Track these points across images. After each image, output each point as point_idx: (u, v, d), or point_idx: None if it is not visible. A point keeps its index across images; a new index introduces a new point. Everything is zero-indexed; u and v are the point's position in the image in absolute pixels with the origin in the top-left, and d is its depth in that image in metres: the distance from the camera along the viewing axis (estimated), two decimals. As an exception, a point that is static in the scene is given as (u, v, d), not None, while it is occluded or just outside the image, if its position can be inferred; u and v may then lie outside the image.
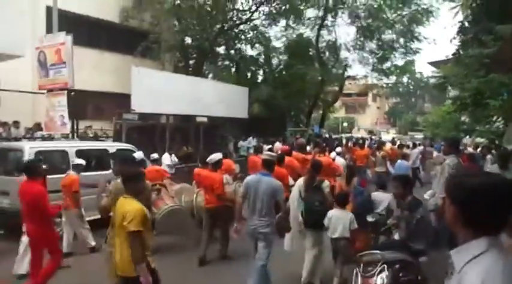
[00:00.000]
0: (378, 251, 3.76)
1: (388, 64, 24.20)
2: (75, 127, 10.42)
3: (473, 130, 16.09)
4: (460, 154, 6.95)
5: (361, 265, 3.65)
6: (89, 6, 15.13)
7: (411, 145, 17.06)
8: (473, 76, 10.15)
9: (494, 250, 1.36)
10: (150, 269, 3.32)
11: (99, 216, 4.96)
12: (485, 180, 1.41)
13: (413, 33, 21.87)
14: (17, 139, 9.86)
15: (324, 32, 22.86)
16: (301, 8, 20.36)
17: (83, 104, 11.73)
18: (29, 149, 6.91)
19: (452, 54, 13.00)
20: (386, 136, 35.64)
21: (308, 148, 10.97)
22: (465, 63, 10.93)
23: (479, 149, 14.53)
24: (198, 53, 19.65)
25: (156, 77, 13.10)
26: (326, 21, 22.33)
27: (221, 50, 21.96)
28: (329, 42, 23.34)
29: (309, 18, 22.32)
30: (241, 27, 20.77)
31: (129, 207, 3.28)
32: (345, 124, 51.19)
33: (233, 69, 23.47)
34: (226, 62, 23.40)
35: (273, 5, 19.93)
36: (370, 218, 4.88)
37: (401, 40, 22.51)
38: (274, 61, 23.56)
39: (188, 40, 19.15)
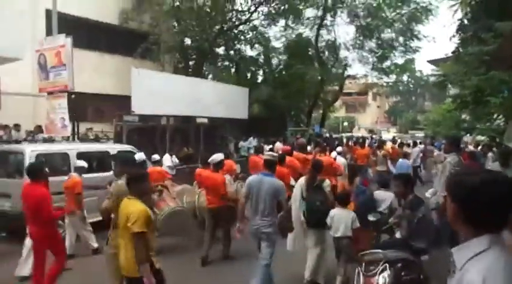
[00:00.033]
0: (379, 250, 3.75)
1: (388, 63, 24.19)
2: (75, 129, 10.43)
3: (474, 128, 16.07)
4: (461, 153, 6.94)
5: (363, 264, 3.65)
6: (88, 8, 15.14)
7: (411, 144, 17.05)
8: (473, 74, 10.13)
9: (496, 247, 1.36)
10: (155, 269, 3.34)
11: (100, 218, 4.99)
12: (486, 178, 1.41)
13: (413, 31, 21.84)
14: (17, 142, 9.86)
15: (323, 32, 22.87)
16: (300, 7, 20.35)
17: (84, 106, 11.76)
18: (30, 152, 6.91)
19: (452, 52, 12.98)
20: (387, 135, 35.64)
21: (309, 148, 10.98)
22: (465, 60, 10.91)
23: (480, 147, 14.53)
24: (197, 54, 19.66)
25: (156, 78, 13.11)
26: (325, 21, 22.32)
27: (221, 50, 21.98)
28: (328, 41, 23.33)
29: (308, 18, 22.33)
30: (241, 27, 20.78)
31: (133, 208, 3.29)
32: (346, 123, 51.17)
33: (233, 70, 23.48)
34: (226, 63, 23.41)
35: (272, 5, 19.93)
36: (371, 218, 4.87)
37: (401, 39, 22.49)
38: (274, 61, 23.57)
39: (188, 41, 19.16)
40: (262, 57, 22.89)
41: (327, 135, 27.08)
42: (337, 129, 45.81)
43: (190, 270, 5.66)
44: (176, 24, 18.15)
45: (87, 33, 15.41)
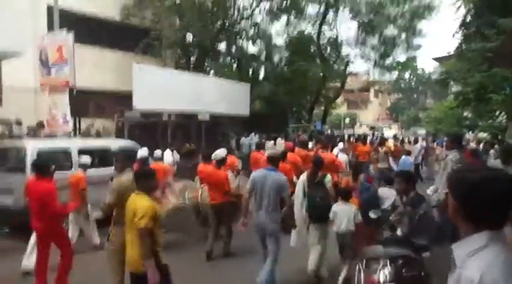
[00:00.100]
0: (380, 247, 3.75)
1: (390, 60, 24.16)
2: (77, 125, 10.44)
3: (476, 125, 16.05)
4: (463, 150, 6.92)
5: (364, 261, 3.65)
6: (90, 4, 15.12)
7: (412, 141, 17.02)
8: (476, 70, 10.09)
9: (496, 244, 1.36)
10: (162, 265, 3.36)
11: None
12: (487, 175, 1.41)
13: (415, 28, 21.78)
14: (19, 137, 9.87)
15: (325, 28, 22.83)
16: (302, 4, 20.28)
17: (85, 102, 11.78)
18: (31, 147, 6.92)
19: (455, 49, 12.94)
20: (389, 132, 35.58)
21: (310, 144, 10.97)
22: (468, 57, 10.87)
23: (481, 144, 14.50)
24: (199, 50, 19.63)
25: (157, 74, 13.10)
26: (327, 17, 22.27)
27: (222, 46, 21.96)
28: (330, 38, 23.28)
29: (310, 14, 22.27)
30: (243, 23, 20.74)
31: (140, 203, 3.32)
32: (347, 120, 51.07)
33: (234, 66, 23.44)
34: (228, 59, 23.37)
35: (274, 1, 19.86)
36: (372, 215, 4.86)
37: (403, 35, 22.43)
38: (276, 58, 23.52)
39: (189, 37, 19.12)
40: (264, 53, 22.85)
41: (329, 131, 27.05)
42: (338, 125, 45.69)
43: (192, 266, 5.68)
44: (178, 20, 18.11)
45: (88, 29, 15.37)
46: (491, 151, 10.66)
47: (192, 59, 20.21)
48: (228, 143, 15.33)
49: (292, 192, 5.45)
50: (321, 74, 22.16)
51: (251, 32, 21.32)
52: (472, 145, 16.00)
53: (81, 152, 7.28)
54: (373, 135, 27.39)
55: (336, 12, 22.09)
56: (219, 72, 22.11)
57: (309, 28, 22.90)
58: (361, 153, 12.36)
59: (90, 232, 6.36)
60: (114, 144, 8.56)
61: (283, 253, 4.88)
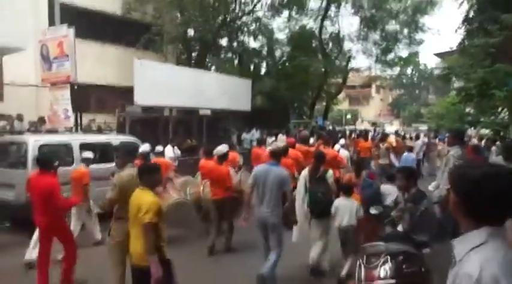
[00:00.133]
0: (381, 243, 3.75)
1: (392, 55, 24.04)
2: (78, 120, 10.45)
3: (478, 121, 15.98)
4: (465, 146, 6.91)
5: (364, 256, 3.65)
6: (91, -2, 15.09)
7: (414, 137, 16.99)
8: (478, 66, 10.03)
9: (496, 240, 1.36)
10: (166, 259, 3.39)
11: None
12: (488, 171, 1.41)
13: (418, 23, 21.66)
14: (20, 132, 9.89)
15: (327, 23, 22.68)
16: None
17: (86, 97, 11.77)
18: (33, 142, 6.94)
19: (458, 44, 12.86)
20: (390, 128, 35.51)
21: (312, 140, 10.95)
22: (470, 53, 10.80)
23: (483, 141, 14.47)
24: (200, 45, 19.56)
25: (158, 69, 13.07)
26: (329, 12, 22.14)
27: (224, 42, 21.87)
28: (332, 33, 23.17)
29: (312, 9, 22.16)
30: (244, 18, 20.64)
31: (144, 199, 3.35)
32: (349, 116, 50.98)
33: (236, 62, 23.37)
34: (229, 54, 23.30)
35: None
36: (373, 211, 4.87)
37: (405, 31, 22.31)
38: (277, 53, 23.44)
39: (191, 32, 19.05)
40: (266, 48, 22.77)
41: (330, 127, 26.99)
42: (340, 121, 45.63)
43: (194, 261, 5.69)
44: (179, 15, 18.04)
45: (89, 24, 15.33)
46: (493, 148, 10.63)
47: (194, 54, 20.15)
48: (229, 139, 15.33)
49: (294, 187, 5.48)
50: (323, 70, 22.07)
51: (253, 27, 21.23)
52: (474, 141, 15.98)
53: (83, 147, 7.29)
54: (374, 130, 27.35)
55: (338, 7, 21.96)
56: (221, 68, 22.06)
57: (310, 23, 22.83)
58: (363, 149, 12.35)
59: (92, 226, 6.39)
60: (116, 139, 8.57)
61: (285, 249, 4.90)
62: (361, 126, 40.96)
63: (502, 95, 9.65)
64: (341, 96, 33.42)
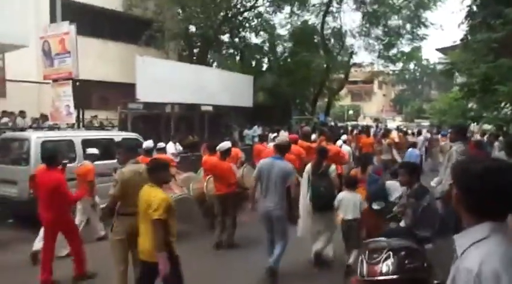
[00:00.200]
0: (383, 239, 3.75)
1: (394, 50, 23.91)
2: (80, 117, 10.46)
3: (481, 117, 15.95)
4: (467, 141, 6.89)
5: (367, 252, 3.65)
6: (92, -6, 15.06)
7: (416, 133, 16.95)
8: (481, 61, 9.97)
9: (497, 235, 1.35)
10: (174, 255, 3.42)
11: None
12: (491, 165, 1.40)
13: (420, 18, 21.52)
14: (23, 129, 9.91)
15: (329, 19, 22.60)
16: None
17: (88, 94, 11.78)
18: (35, 139, 6.94)
19: (460, 40, 12.77)
20: (392, 124, 35.43)
21: (313, 136, 10.93)
22: (473, 48, 10.73)
23: (486, 136, 14.41)
24: (202, 42, 19.53)
25: (160, 66, 13.07)
26: (331, 7, 22.04)
27: (225, 38, 21.84)
28: (334, 28, 23.06)
29: (313, 5, 22.06)
30: (246, 14, 20.59)
31: (154, 195, 3.38)
32: (351, 112, 50.89)
33: (237, 58, 23.32)
34: (231, 50, 23.25)
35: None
36: (375, 206, 4.88)
37: (408, 26, 22.18)
38: (279, 49, 23.37)
39: (192, 28, 19.02)
40: (267, 44, 22.71)
41: (332, 123, 26.96)
42: (342, 117, 45.57)
43: (196, 257, 5.70)
44: (180, 11, 18.00)
45: (91, 20, 15.34)
46: (496, 143, 10.60)
47: (195, 50, 20.12)
48: (231, 135, 15.32)
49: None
50: (325, 65, 22.00)
51: (254, 22, 21.15)
52: (477, 136, 15.92)
53: (85, 144, 7.30)
54: (376, 126, 27.29)
55: (340, 2, 21.87)
56: (222, 64, 22.02)
57: (312, 18, 22.75)
58: (365, 144, 12.32)
59: (96, 222, 6.41)
60: (118, 135, 8.58)
61: (289, 244, 4.95)
62: (363, 122, 40.90)
63: (505, 90, 9.59)
64: (343, 91, 33.36)
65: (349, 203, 4.86)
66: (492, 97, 11.10)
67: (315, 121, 21.74)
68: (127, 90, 12.99)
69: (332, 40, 23.58)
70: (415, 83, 59.38)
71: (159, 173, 3.56)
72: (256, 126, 17.24)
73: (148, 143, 7.31)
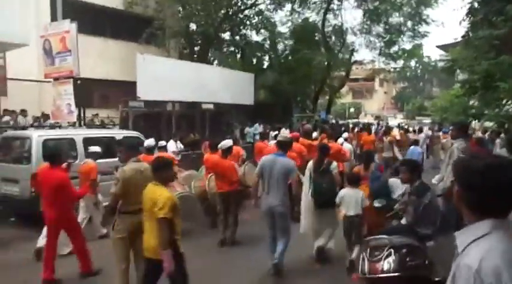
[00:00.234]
0: (384, 236, 3.75)
1: (395, 48, 23.83)
2: (82, 115, 10.46)
3: (482, 114, 15.91)
4: (469, 139, 6.87)
5: (368, 249, 3.65)
6: (93, -7, 15.04)
7: (417, 130, 16.92)
8: (483, 58, 9.93)
9: (498, 232, 1.34)
10: (179, 253, 3.45)
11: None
12: (492, 162, 1.40)
13: (421, 15, 21.45)
14: (24, 127, 9.92)
15: (330, 16, 22.54)
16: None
17: (89, 92, 11.78)
18: (37, 137, 6.95)
19: (462, 37, 12.73)
20: (394, 122, 35.40)
21: (315, 134, 10.92)
22: (475, 45, 10.70)
23: (487, 133, 14.38)
24: (203, 39, 19.50)
25: (161, 64, 13.05)
26: (332, 5, 21.98)
27: (226, 36, 21.78)
28: (335, 26, 23.00)
29: (314, 2, 21.98)
30: (246, 12, 20.53)
31: (160, 194, 3.40)
32: (352, 109, 50.85)
33: (238, 55, 23.29)
34: (232, 48, 23.21)
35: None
36: (376, 204, 4.89)
37: (409, 23, 22.10)
38: (280, 46, 23.34)
39: (193, 26, 18.98)
40: (268, 42, 22.66)
41: (333, 121, 26.94)
42: (343, 115, 45.54)
43: (199, 254, 5.71)
44: (181, 9, 17.96)
45: (91, 19, 15.32)
46: (497, 141, 10.58)
47: (196, 48, 20.09)
48: (232, 133, 15.32)
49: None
50: (326, 63, 21.96)
51: (255, 20, 21.10)
52: (478, 134, 15.89)
53: (86, 142, 7.30)
54: (378, 124, 27.26)
55: (341, 0, 21.80)
56: (223, 62, 21.99)
57: (313, 16, 22.68)
58: (366, 142, 12.32)
59: (98, 220, 6.42)
60: (119, 134, 8.59)
61: (291, 240, 4.99)
62: (364, 119, 40.85)
63: (507, 87, 9.56)
64: (344, 89, 33.32)
65: (351, 199, 4.87)
66: (494, 94, 11.06)
67: (316, 119, 21.71)
68: (128, 88, 12.98)
69: (333, 37, 23.52)
70: (417, 80, 59.25)
71: (163, 171, 3.57)
72: (257, 124, 17.23)
73: (149, 141, 7.32)
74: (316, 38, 22.67)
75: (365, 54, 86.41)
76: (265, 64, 23.64)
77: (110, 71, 15.25)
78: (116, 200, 4.04)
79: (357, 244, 4.78)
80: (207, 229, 6.81)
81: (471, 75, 11.53)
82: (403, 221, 4.31)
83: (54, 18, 11.94)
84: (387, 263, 3.46)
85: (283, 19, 22.68)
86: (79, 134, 7.74)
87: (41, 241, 5.29)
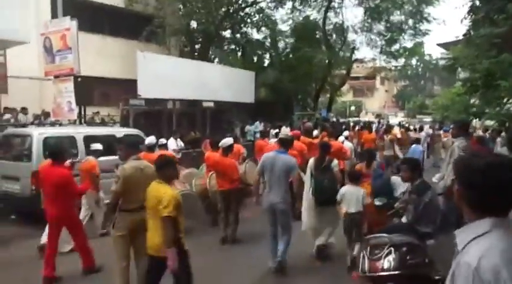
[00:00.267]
0: (385, 234, 3.75)
1: (396, 46, 23.79)
2: (82, 113, 10.46)
3: (483, 112, 15.88)
4: (469, 137, 6.86)
5: (368, 248, 3.65)
6: (93, -10, 15.01)
7: (418, 129, 16.90)
8: (484, 56, 9.91)
9: (498, 230, 1.34)
10: (183, 251, 3.47)
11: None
12: (493, 161, 1.39)
13: (423, 13, 21.39)
14: (25, 125, 9.92)
15: (331, 14, 22.51)
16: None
17: (90, 90, 11.77)
18: (37, 135, 6.95)
19: (463, 35, 12.70)
20: (395, 120, 35.36)
21: (316, 132, 10.92)
22: (476, 43, 10.67)
23: (488, 132, 14.37)
24: (203, 37, 19.47)
25: (161, 62, 13.05)
26: (333, 3, 21.93)
27: (227, 33, 21.76)
28: (336, 24, 22.96)
29: (315, 0, 21.94)
30: (247, 10, 20.50)
31: (164, 192, 3.41)
32: (353, 108, 50.81)
33: (239, 53, 23.26)
34: (232, 46, 23.19)
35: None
36: (377, 202, 4.89)
37: (410, 21, 22.05)
38: (281, 44, 23.31)
39: (193, 24, 18.95)
40: (269, 40, 22.63)
41: (334, 119, 26.92)
42: (344, 113, 45.50)
43: (200, 252, 5.71)
44: (182, 7, 17.93)
45: (91, 16, 15.29)
46: (498, 139, 10.56)
47: (197, 46, 20.07)
48: (232, 131, 15.32)
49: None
50: (327, 61, 21.94)
51: (256, 18, 21.06)
52: (479, 132, 15.88)
53: (87, 140, 7.30)
54: (378, 122, 27.23)
55: (342, -3, 21.76)
56: (224, 60, 21.97)
57: (314, 14, 22.65)
58: (367, 140, 12.32)
59: (100, 218, 6.42)
60: (119, 132, 8.58)
61: (293, 238, 5.02)
62: (365, 117, 40.81)
63: (508, 85, 9.54)
64: (345, 87, 33.30)
65: (352, 197, 4.89)
66: (495, 92, 11.03)
67: (316, 117, 21.70)
68: (128, 86, 12.98)
69: (334, 35, 23.48)
70: (418, 79, 59.16)
71: (167, 169, 3.58)
72: (258, 122, 17.22)
73: (150, 139, 7.32)
74: (317, 36, 22.63)
75: (366, 52, 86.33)
76: (266, 62, 23.63)
77: (111, 69, 15.24)
78: (116, 198, 4.04)
79: (358, 241, 4.79)
80: (208, 227, 6.81)
81: (472, 73, 11.51)
82: (404, 219, 4.31)
83: (54, 15, 11.93)
84: (387, 262, 3.46)
85: (284, 17, 22.71)
86: (79, 132, 7.74)
87: (44, 237, 5.30)
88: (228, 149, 6.31)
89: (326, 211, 5.21)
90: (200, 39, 19.96)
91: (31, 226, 6.21)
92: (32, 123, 10.70)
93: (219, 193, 6.27)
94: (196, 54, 19.14)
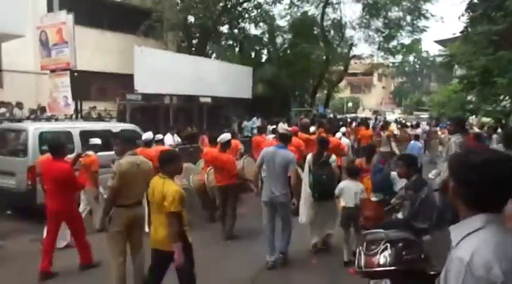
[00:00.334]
0: (381, 230, 3.76)
1: (394, 43, 23.79)
2: (79, 108, 10.41)
3: (480, 109, 15.92)
4: (466, 134, 6.88)
5: (364, 243, 3.66)
6: (90, -16, 14.88)
7: (414, 125, 16.95)
8: (481, 54, 9.93)
9: (492, 226, 1.34)
10: (188, 243, 3.48)
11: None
12: (489, 157, 1.38)
13: (421, 10, 21.37)
14: (20, 120, 9.87)
15: (329, 10, 22.44)
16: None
17: (86, 85, 11.72)
18: (33, 130, 6.91)
19: (461, 32, 12.71)
20: (391, 116, 35.43)
21: (313, 128, 10.92)
22: (473, 40, 10.69)
23: (484, 128, 14.42)
24: (201, 32, 19.37)
25: (159, 57, 12.98)
26: (331, -1, 21.86)
27: (224, 29, 21.64)
28: (334, 20, 22.91)
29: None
30: (245, 5, 20.38)
31: (168, 187, 3.41)
32: (350, 104, 50.82)
33: (237, 49, 23.17)
34: (230, 42, 23.08)
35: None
36: (373, 198, 4.92)
37: (408, 18, 22.03)
38: (279, 40, 23.21)
39: (191, 19, 18.85)
40: (267, 35, 22.54)
41: (331, 115, 26.93)
42: (341, 109, 45.50)
43: (199, 248, 5.71)
44: (179, 1, 17.83)
45: (88, 10, 15.18)
46: (494, 136, 10.60)
47: (194, 41, 19.97)
48: (230, 126, 15.29)
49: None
50: (324, 57, 21.90)
51: (254, 13, 20.96)
52: (476, 129, 15.93)
53: (83, 135, 7.27)
54: (375, 119, 27.28)
55: (340, -7, 21.69)
56: (221, 55, 21.88)
57: (312, 10, 22.57)
58: (364, 137, 12.33)
59: (98, 213, 6.40)
60: (116, 127, 8.55)
61: (293, 233, 5.08)
62: (362, 114, 40.86)
63: (505, 82, 9.57)
64: (342, 83, 33.26)
65: (350, 191, 4.94)
66: (491, 90, 11.07)
67: (314, 113, 21.69)
68: (126, 81, 12.90)
69: (332, 32, 23.43)
70: (415, 75, 59.25)
71: (171, 164, 3.57)
72: (255, 118, 17.20)
73: (147, 135, 7.29)
74: (315, 32, 22.58)
75: (364, 48, 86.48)
76: (264, 58, 23.54)
77: (107, 64, 15.15)
78: (114, 193, 4.03)
79: (356, 235, 4.85)
80: (206, 222, 6.81)
81: (469, 70, 11.55)
82: (400, 215, 4.33)
83: (50, 9, 11.83)
84: (383, 257, 3.48)
85: (282, 12, 22.58)
86: (76, 127, 7.70)
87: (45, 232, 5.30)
88: (226, 145, 6.33)
89: (324, 206, 5.26)
90: (198, 34, 19.86)
91: (27, 221, 6.20)
92: (27, 118, 10.64)
93: (217, 188, 6.29)
94: (193, 49, 19.05)
